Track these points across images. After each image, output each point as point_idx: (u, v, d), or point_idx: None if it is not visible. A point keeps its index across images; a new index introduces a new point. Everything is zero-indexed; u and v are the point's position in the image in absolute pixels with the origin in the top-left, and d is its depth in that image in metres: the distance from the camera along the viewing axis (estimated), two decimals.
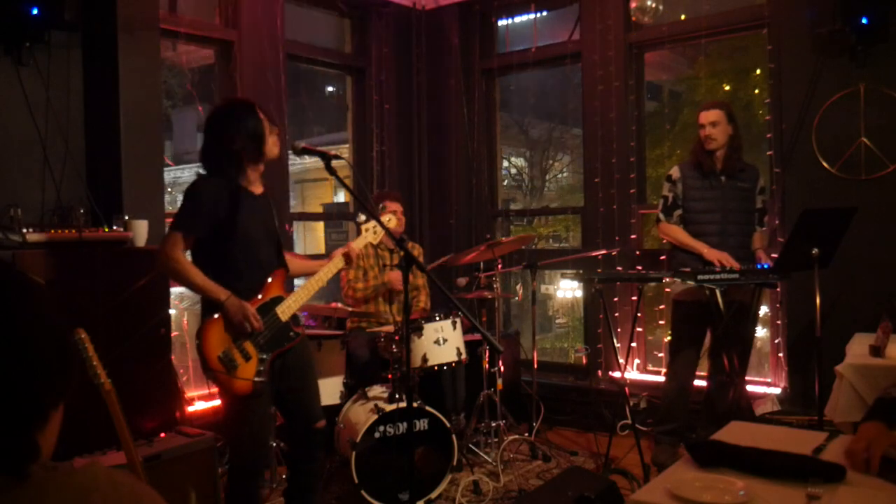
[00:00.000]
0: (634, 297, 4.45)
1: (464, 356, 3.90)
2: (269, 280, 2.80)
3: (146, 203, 3.81)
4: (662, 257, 4.69)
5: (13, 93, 3.47)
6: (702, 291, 3.62)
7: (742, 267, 3.64)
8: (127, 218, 3.57)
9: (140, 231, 3.57)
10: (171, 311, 3.63)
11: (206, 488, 3.21)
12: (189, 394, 4.13)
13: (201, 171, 2.80)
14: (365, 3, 5.62)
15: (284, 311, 2.80)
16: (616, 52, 5.08)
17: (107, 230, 3.47)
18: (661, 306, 5.16)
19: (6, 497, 0.80)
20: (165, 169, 4.29)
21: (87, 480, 0.85)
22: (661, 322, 5.17)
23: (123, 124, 3.76)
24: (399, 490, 3.46)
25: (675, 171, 3.99)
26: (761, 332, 4.81)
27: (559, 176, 10.48)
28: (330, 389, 3.94)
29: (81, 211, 3.48)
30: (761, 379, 4.67)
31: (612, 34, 5.10)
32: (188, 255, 2.72)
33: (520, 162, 10.60)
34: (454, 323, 3.89)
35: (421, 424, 3.57)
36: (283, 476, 3.13)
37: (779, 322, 4.51)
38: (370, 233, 3.11)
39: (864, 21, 3.88)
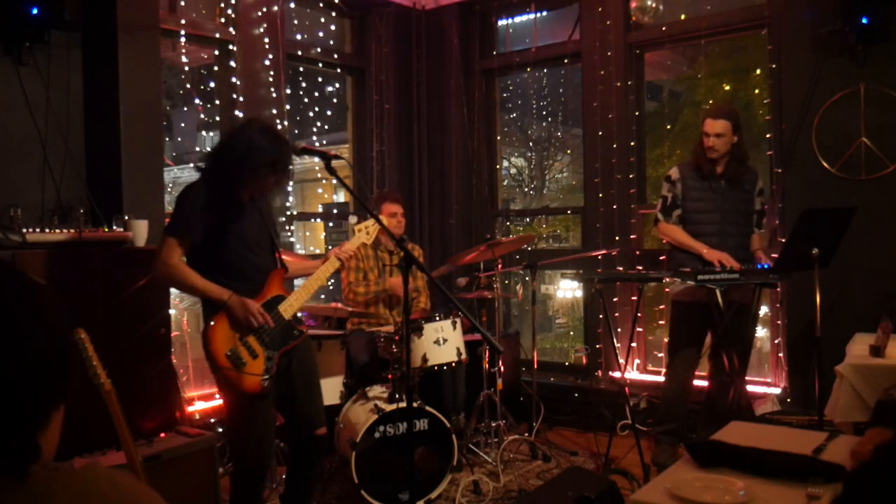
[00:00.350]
0: (634, 297, 4.45)
1: (464, 356, 3.90)
2: (268, 281, 2.82)
3: (146, 203, 3.81)
4: (662, 257, 4.69)
5: (13, 93, 3.47)
6: (701, 292, 3.62)
7: (742, 267, 3.64)
8: (127, 218, 3.57)
9: (140, 231, 3.57)
10: (171, 311, 3.63)
11: (206, 488, 3.21)
12: (189, 394, 4.13)
13: (199, 173, 2.80)
14: (365, 3, 5.62)
15: (287, 309, 2.82)
16: (616, 52, 5.08)
17: (107, 230, 3.47)
18: (661, 306, 5.16)
19: (7, 497, 0.80)
20: (165, 169, 4.29)
21: (87, 481, 0.85)
22: (661, 322, 5.17)
23: (123, 124, 3.76)
24: (399, 490, 3.46)
25: (674, 172, 3.99)
26: (761, 332, 4.81)
27: (559, 176, 10.48)
28: (330, 389, 3.94)
29: (81, 211, 3.48)
30: (761, 379, 4.67)
31: (612, 34, 5.10)
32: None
33: (520, 162, 10.60)
34: (454, 323, 3.89)
35: (421, 424, 3.57)
36: (283, 476, 3.13)
37: (779, 322, 4.51)
38: (363, 233, 3.12)
39: (864, 21, 3.88)
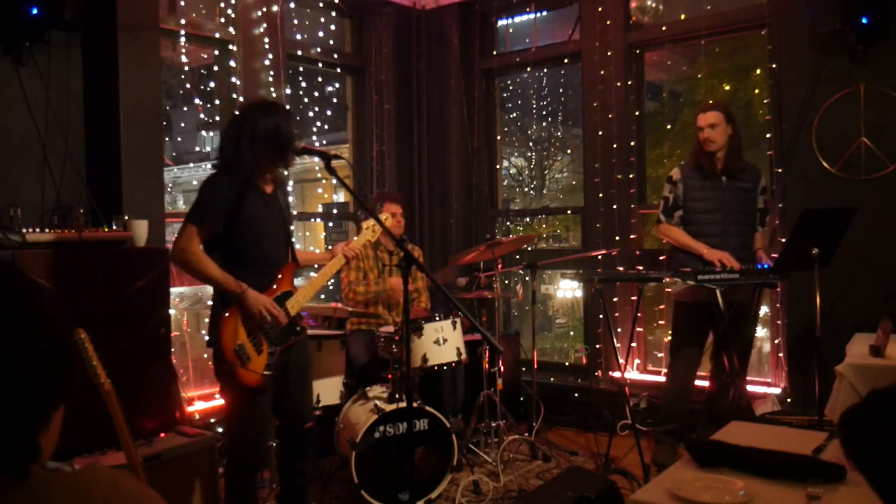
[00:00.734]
0: (634, 297, 4.45)
1: (464, 356, 3.90)
2: (281, 275, 2.86)
3: (146, 203, 3.81)
4: (662, 257, 4.69)
5: (13, 93, 3.47)
6: (703, 292, 3.62)
7: (743, 267, 3.64)
8: (127, 218, 3.57)
9: (140, 231, 3.57)
10: (171, 311, 3.63)
11: (206, 488, 3.21)
12: (189, 394, 4.13)
13: (215, 163, 2.83)
14: (365, 3, 5.62)
15: (293, 306, 2.86)
16: (616, 52, 5.08)
17: (107, 230, 3.47)
18: (661, 306, 5.17)
19: (7, 497, 0.80)
20: (165, 169, 4.29)
21: (87, 481, 0.85)
22: (661, 322, 5.17)
23: (123, 124, 3.76)
24: (399, 490, 3.46)
25: (675, 172, 3.99)
26: (761, 332, 4.81)
27: (559, 176, 10.47)
28: (330, 389, 3.94)
29: (81, 211, 3.48)
30: (761, 379, 4.67)
31: (612, 34, 5.09)
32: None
33: (520, 162, 10.59)
34: (454, 323, 3.89)
35: (421, 424, 3.57)
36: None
37: (779, 322, 4.51)
38: (369, 231, 3.14)
39: (864, 21, 3.88)
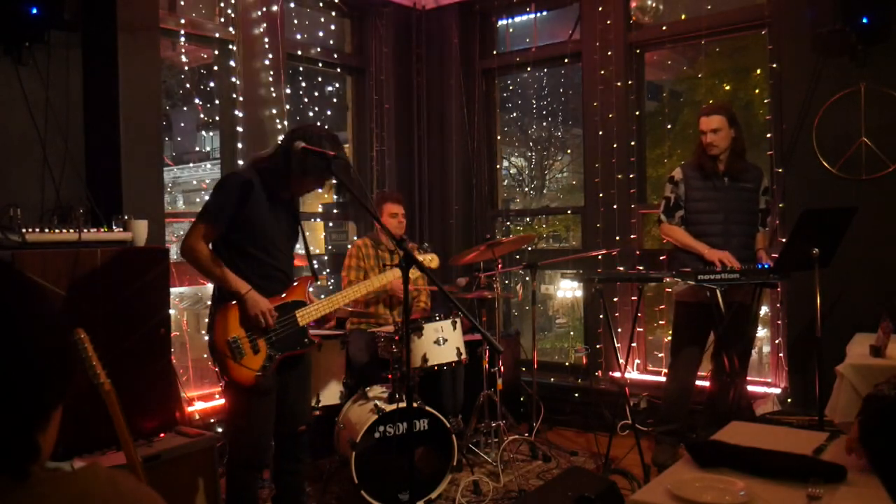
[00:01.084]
0: (634, 297, 4.45)
1: (464, 356, 3.90)
2: (295, 283, 2.90)
3: (146, 203, 3.81)
4: (662, 257, 4.69)
5: (13, 93, 3.47)
6: (704, 292, 3.62)
7: (743, 267, 3.64)
8: (127, 218, 3.57)
9: (140, 231, 3.57)
10: (171, 311, 3.62)
11: (206, 488, 3.21)
12: (189, 394, 4.13)
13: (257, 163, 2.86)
14: (365, 3, 5.62)
15: (304, 316, 2.88)
16: (616, 52, 5.08)
17: (107, 230, 3.47)
18: (662, 306, 5.17)
19: (7, 497, 0.79)
20: (165, 169, 4.29)
21: (87, 481, 0.85)
22: (661, 322, 5.17)
23: (123, 124, 3.76)
24: (399, 490, 3.46)
25: (677, 172, 3.98)
26: (761, 332, 4.81)
27: (559, 176, 10.47)
28: (330, 389, 3.94)
29: (81, 211, 3.48)
30: (761, 379, 4.67)
31: (612, 34, 5.09)
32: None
33: (520, 162, 10.59)
34: (454, 323, 3.89)
35: (421, 424, 3.57)
36: None
37: (779, 322, 4.51)
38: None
39: (864, 21, 3.88)
